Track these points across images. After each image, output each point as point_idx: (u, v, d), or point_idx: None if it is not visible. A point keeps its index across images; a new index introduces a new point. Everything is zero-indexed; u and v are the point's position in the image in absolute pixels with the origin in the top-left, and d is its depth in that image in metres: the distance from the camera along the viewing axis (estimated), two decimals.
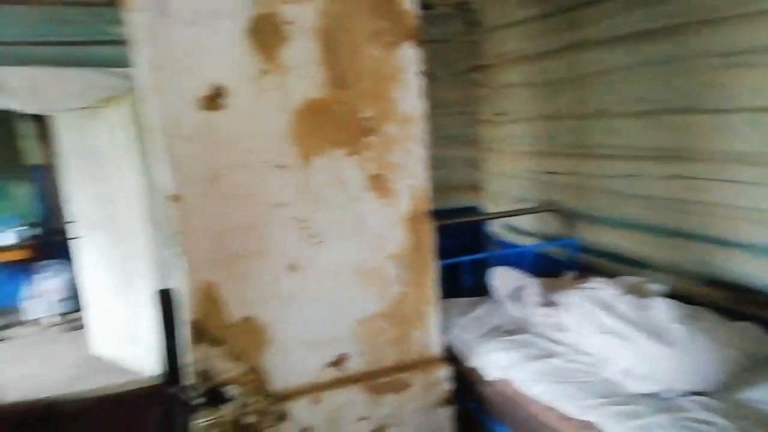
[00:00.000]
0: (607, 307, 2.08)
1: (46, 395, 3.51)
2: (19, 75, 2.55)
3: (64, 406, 3.34)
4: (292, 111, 1.71)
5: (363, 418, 1.96)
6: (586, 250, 3.03)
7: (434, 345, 2.09)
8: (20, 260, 5.12)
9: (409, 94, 1.86)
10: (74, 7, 2.65)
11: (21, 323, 5.09)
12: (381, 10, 1.76)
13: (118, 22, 2.72)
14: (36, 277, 5.18)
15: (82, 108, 2.85)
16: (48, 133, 5.41)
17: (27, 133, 5.31)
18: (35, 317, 5.13)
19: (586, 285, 2.32)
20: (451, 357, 2.21)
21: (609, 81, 2.73)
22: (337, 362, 1.95)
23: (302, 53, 1.68)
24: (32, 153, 5.42)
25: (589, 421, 1.74)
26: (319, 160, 1.79)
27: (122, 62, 2.74)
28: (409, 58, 1.83)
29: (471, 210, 4.01)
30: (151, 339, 3.43)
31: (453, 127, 3.83)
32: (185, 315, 1.74)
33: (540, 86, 3.25)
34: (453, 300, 2.69)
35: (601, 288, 2.22)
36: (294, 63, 1.68)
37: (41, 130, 5.31)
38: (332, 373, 1.95)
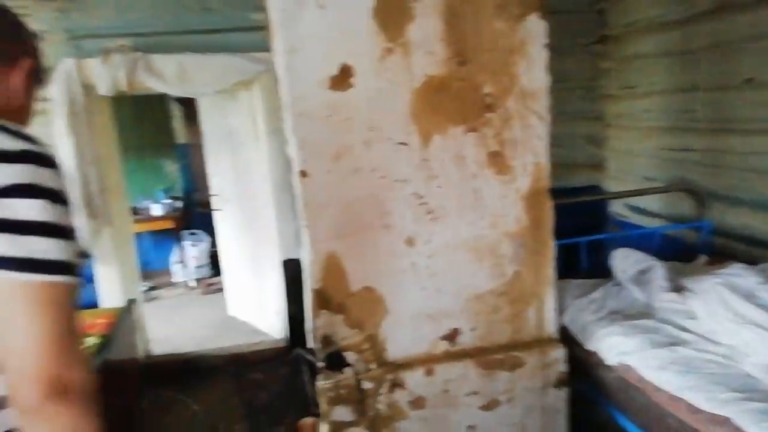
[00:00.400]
0: (748, 296, 1.91)
1: (189, 350, 3.95)
2: (169, 62, 2.85)
3: (204, 360, 3.73)
4: (414, 89, 1.75)
5: (474, 393, 1.99)
6: (721, 233, 2.77)
7: (550, 325, 2.06)
8: (168, 229, 5.74)
9: (533, 68, 1.82)
10: None
11: (169, 285, 5.73)
12: None
13: (256, 9, 2.95)
14: (181, 245, 5.78)
15: (222, 91, 3.11)
16: (193, 115, 5.99)
17: (176, 114, 5.91)
18: (180, 280, 5.75)
19: (721, 271, 2.14)
20: (566, 338, 2.16)
21: (762, 48, 2.45)
22: (450, 336, 1.99)
23: (426, 30, 1.71)
24: (180, 133, 6.03)
25: (723, 416, 1.63)
26: (438, 138, 1.81)
27: (258, 47, 2.97)
28: (534, 30, 1.79)
29: (591, 189, 3.82)
30: (277, 304, 3.72)
31: (573, 103, 3.66)
32: (309, 283, 1.87)
33: (675, 55, 2.99)
34: (570, 281, 2.61)
35: (740, 275, 2.04)
36: (417, 41, 1.71)
37: (187, 111, 5.88)
38: (445, 346, 1.99)
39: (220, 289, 5.23)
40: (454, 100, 1.81)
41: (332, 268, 1.84)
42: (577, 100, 3.67)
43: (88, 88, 2.83)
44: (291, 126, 1.73)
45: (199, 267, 5.84)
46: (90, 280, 3.09)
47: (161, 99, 5.30)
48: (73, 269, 0.83)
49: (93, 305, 3.09)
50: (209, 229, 5.92)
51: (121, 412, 2.65)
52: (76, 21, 2.83)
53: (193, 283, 5.72)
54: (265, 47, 2.95)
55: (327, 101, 1.70)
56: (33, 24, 2.80)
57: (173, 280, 5.81)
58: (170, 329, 4.38)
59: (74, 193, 2.85)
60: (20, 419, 0.80)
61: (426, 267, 1.91)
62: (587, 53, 3.62)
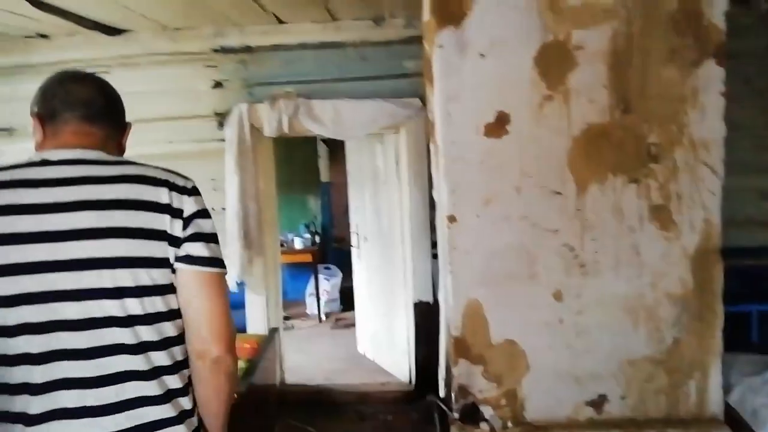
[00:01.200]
0: None
1: (319, 383, 4.06)
2: (327, 107, 3.07)
3: (333, 394, 3.82)
4: (573, 136, 1.70)
5: None
6: None
7: (713, 403, 1.81)
8: (307, 262, 6.06)
9: (706, 117, 1.68)
10: (375, 46, 3.10)
11: (302, 316, 6.01)
12: (682, 26, 1.63)
13: (408, 57, 3.10)
14: (316, 278, 6.06)
15: (372, 133, 3.28)
16: (335, 155, 6.38)
17: (321, 154, 6.34)
18: (313, 312, 6.01)
19: None
20: (732, 421, 1.89)
21: None
22: (596, 402, 1.83)
23: (589, 78, 1.66)
24: (324, 171, 6.44)
25: None
26: (596, 187, 1.73)
27: (407, 93, 3.10)
28: (710, 77, 1.66)
29: (763, 250, 3.38)
30: (406, 346, 3.72)
31: (744, 153, 3.29)
32: (449, 330, 1.84)
33: None
34: (738, 355, 2.31)
35: None
36: (579, 88, 1.67)
37: (332, 151, 6.27)
38: (590, 413, 1.84)
39: (350, 325, 5.38)
40: (616, 149, 1.72)
41: (474, 316, 1.80)
42: (748, 150, 3.31)
43: (255, 130, 3.13)
44: (443, 171, 1.75)
45: (331, 301, 6.06)
46: (241, 305, 3.33)
47: (309, 139, 5.71)
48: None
49: (242, 329, 3.32)
50: (343, 265, 6.18)
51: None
52: (251, 71, 3.18)
53: (325, 317, 5.94)
54: (414, 93, 3.10)
55: (481, 147, 1.70)
56: (218, 74, 3.20)
57: (307, 311, 6.09)
58: (302, 359, 4.55)
59: (234, 224, 3.13)
60: (201, 369, 1.17)
61: (574, 324, 1.79)
62: (761, 99, 3.27)
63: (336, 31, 3.09)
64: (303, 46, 3.14)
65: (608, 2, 1.64)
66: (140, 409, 1.09)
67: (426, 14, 1.82)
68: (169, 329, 1.13)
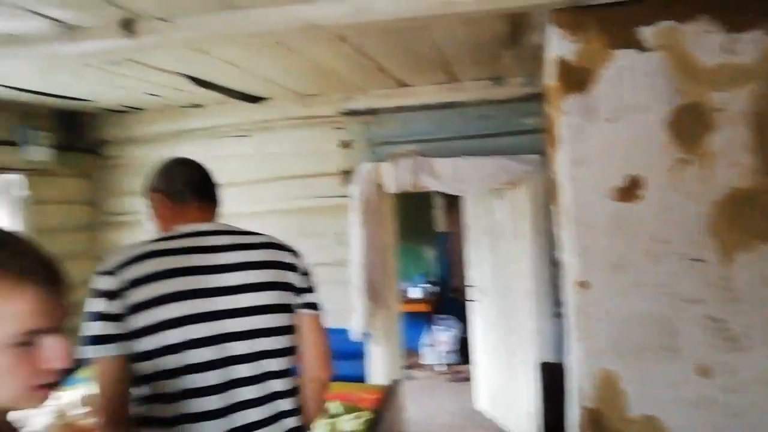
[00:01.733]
0: None
1: None
2: (447, 164, 3.14)
3: None
4: (713, 201, 1.59)
5: None
6: None
7: None
8: (422, 312, 6.08)
9: None
10: (494, 105, 3.14)
11: (418, 366, 6.00)
12: None
13: (528, 114, 3.11)
14: (432, 328, 6.04)
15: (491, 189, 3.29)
16: (452, 206, 6.42)
17: (437, 205, 6.42)
18: (429, 363, 5.97)
19: None
20: None
21: None
22: None
23: (729, 140, 1.57)
24: (439, 222, 6.50)
25: None
26: (742, 255, 1.59)
27: (527, 149, 3.09)
28: None
29: None
30: (530, 407, 3.56)
31: None
32: (580, 399, 1.76)
33: None
34: None
35: None
36: (719, 151, 1.57)
37: (448, 202, 6.33)
38: None
39: (467, 378, 5.26)
40: (763, 215, 1.58)
41: (608, 387, 1.70)
42: None
43: (378, 187, 3.27)
44: (572, 234, 1.71)
45: (447, 353, 6.00)
46: (362, 356, 3.41)
47: (427, 193, 5.82)
48: None
49: (362, 379, 3.39)
50: (460, 316, 6.11)
51: None
52: (375, 132, 3.35)
53: (441, 368, 5.87)
54: (533, 149, 3.08)
55: (612, 212, 1.65)
56: (345, 135, 3.41)
57: (422, 362, 6.06)
58: (419, 412, 4.52)
59: (359, 276, 3.25)
60: (314, 390, 1.54)
61: (725, 404, 1.63)
62: None
63: (456, 91, 3.18)
64: (424, 107, 3.26)
65: (747, 62, 1.55)
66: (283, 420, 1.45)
67: (550, 79, 1.83)
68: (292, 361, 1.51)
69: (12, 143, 3.15)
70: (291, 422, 1.46)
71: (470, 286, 4.48)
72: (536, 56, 2.37)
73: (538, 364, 3.30)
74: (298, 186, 3.47)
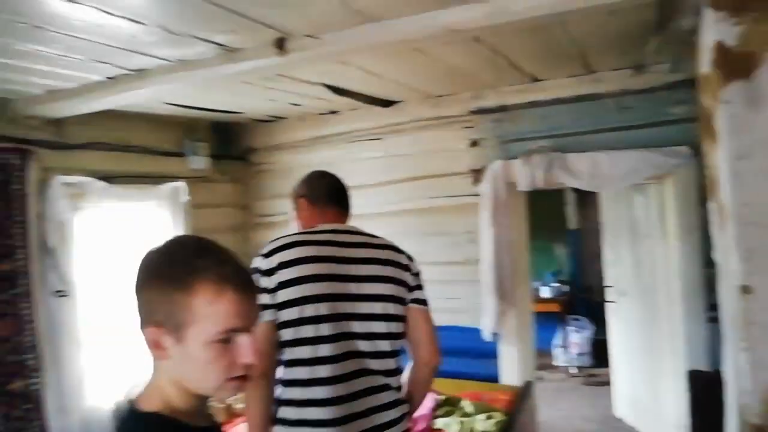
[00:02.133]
0: None
1: None
2: (583, 159, 3.00)
3: None
4: None
5: None
6: None
7: None
8: (553, 312, 5.88)
9: None
10: (636, 95, 2.95)
11: (549, 367, 5.81)
12: None
13: (675, 103, 2.88)
14: (564, 329, 5.82)
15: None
16: (584, 202, 6.13)
17: (569, 201, 6.16)
18: (561, 365, 5.76)
19: None
20: None
21: None
22: None
23: None
24: (571, 218, 6.23)
25: None
26: None
27: (674, 140, 2.86)
28: None
29: None
30: (678, 419, 3.30)
31: None
32: (744, 415, 1.61)
33: None
34: None
35: None
36: None
37: (580, 198, 6.05)
38: None
39: (602, 383, 5.01)
40: None
41: None
42: None
43: (509, 185, 3.22)
44: (733, 235, 1.57)
45: (580, 355, 5.75)
46: (494, 355, 3.40)
47: (559, 189, 5.60)
48: None
49: (494, 379, 3.37)
50: (592, 317, 5.82)
51: None
52: (506, 128, 3.31)
53: (574, 370, 5.64)
54: (682, 140, 2.84)
55: None
56: (474, 134, 3.41)
57: (554, 363, 5.87)
58: (553, 415, 4.40)
59: (489, 276, 3.24)
60: (426, 373, 1.81)
61: None
62: None
63: (592, 83, 3.03)
64: (557, 101, 3.14)
65: None
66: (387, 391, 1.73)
67: (705, 67, 1.69)
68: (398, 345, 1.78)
69: (179, 154, 3.57)
70: (391, 395, 1.73)
71: (608, 286, 4.25)
72: (685, 41, 2.19)
73: (686, 372, 3.05)
74: (428, 186, 3.53)
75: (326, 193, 1.88)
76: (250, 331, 0.93)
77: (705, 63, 1.68)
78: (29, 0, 1.55)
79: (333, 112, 3.73)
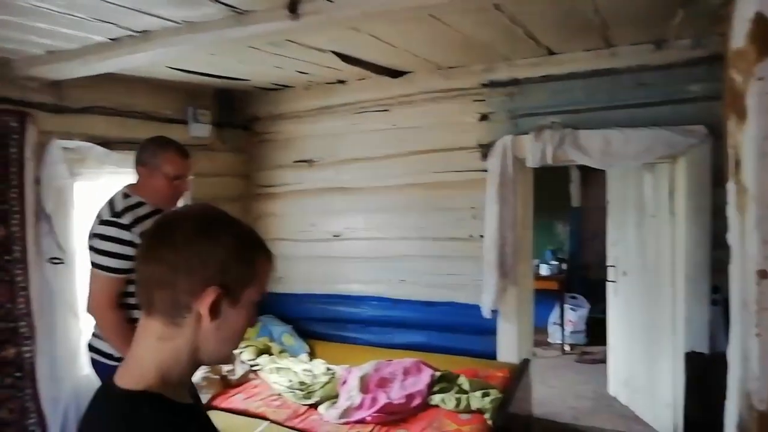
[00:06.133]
0: None
1: (566, 421, 3.89)
2: (595, 136, 2.95)
3: None
4: None
5: None
6: None
7: None
8: (552, 290, 5.87)
9: None
10: (654, 71, 2.88)
11: (545, 344, 5.84)
12: None
13: (693, 80, 2.82)
14: (561, 307, 5.83)
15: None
16: (588, 179, 6.08)
17: (573, 179, 6.11)
18: (557, 342, 5.79)
19: None
20: None
21: None
22: None
23: None
24: (574, 196, 6.19)
25: None
26: None
27: (690, 119, 2.80)
28: None
29: None
30: (671, 398, 3.32)
31: None
32: (751, 400, 1.59)
33: None
34: None
35: None
36: None
37: (584, 176, 6.00)
38: None
39: (597, 360, 5.04)
40: None
41: None
42: None
43: (518, 161, 3.17)
44: (755, 218, 1.53)
45: (575, 332, 5.77)
46: (492, 332, 3.39)
47: (564, 166, 5.54)
48: None
49: (492, 356, 3.38)
50: (589, 295, 5.83)
51: None
52: (517, 103, 3.24)
53: (568, 348, 5.67)
54: (698, 119, 2.79)
55: None
56: (485, 107, 3.34)
57: (549, 340, 5.89)
58: (547, 392, 4.42)
59: (492, 252, 3.21)
60: None
61: None
62: None
63: (610, 57, 2.95)
64: (572, 76, 3.07)
65: None
66: None
67: (739, 41, 1.62)
68: None
69: (181, 121, 3.49)
70: None
71: (610, 265, 4.23)
72: (714, 14, 2.12)
73: (684, 354, 3.06)
74: (435, 160, 3.48)
75: None
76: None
77: (739, 36, 1.61)
78: None
79: (340, 82, 3.64)
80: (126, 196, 2.18)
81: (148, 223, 2.11)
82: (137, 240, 2.05)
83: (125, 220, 2.08)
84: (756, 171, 1.53)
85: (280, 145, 3.96)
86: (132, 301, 2.09)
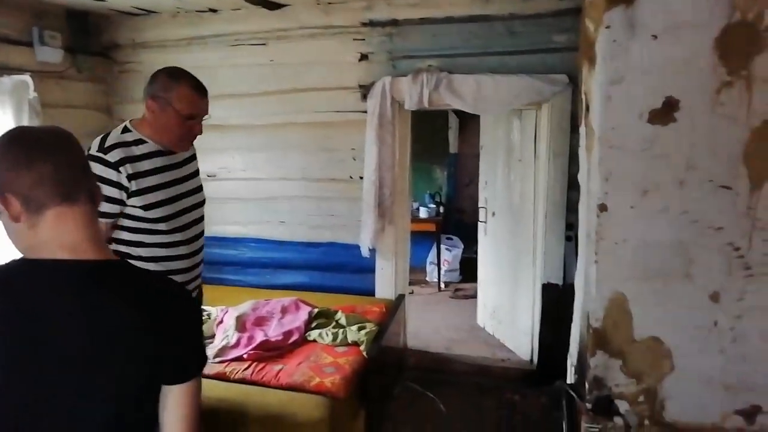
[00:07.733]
0: None
1: (438, 351, 4.17)
2: (468, 81, 3.05)
3: (452, 364, 3.90)
4: (751, 127, 1.55)
5: None
6: None
7: None
8: (430, 231, 6.15)
9: None
10: (524, 20, 2.99)
11: (422, 283, 6.15)
12: None
13: (560, 31, 2.97)
14: (438, 247, 6.14)
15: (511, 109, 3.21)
16: (465, 126, 6.32)
17: (452, 126, 6.31)
18: (433, 280, 6.12)
19: None
20: None
21: None
22: (748, 413, 1.71)
23: None
24: (452, 143, 6.42)
25: None
26: None
27: (554, 68, 2.97)
28: None
29: None
30: (529, 326, 3.68)
31: None
32: (588, 320, 1.80)
33: None
34: None
35: None
36: (764, 74, 1.51)
37: (462, 123, 6.23)
38: (739, 423, 1.72)
39: (469, 296, 5.42)
40: None
41: (617, 309, 1.74)
42: None
43: (396, 103, 3.20)
44: (597, 157, 1.68)
45: (450, 271, 6.13)
46: (371, 270, 3.49)
47: (444, 113, 5.69)
48: None
49: (371, 293, 3.49)
50: (464, 236, 6.21)
51: (381, 392, 2.95)
52: (397, 44, 3.23)
53: (444, 286, 6.03)
54: (562, 68, 2.97)
55: (643, 135, 1.61)
56: (364, 47, 3.29)
57: (426, 278, 6.21)
58: (421, 325, 4.68)
59: (370, 193, 3.26)
60: None
61: (730, 328, 1.67)
62: None
63: (485, 4, 3.02)
64: (449, 20, 3.11)
65: None
66: None
67: None
68: None
69: (25, 43, 3.06)
70: None
71: (481, 207, 4.49)
72: None
73: (541, 285, 3.38)
74: (316, 98, 3.40)
75: None
76: None
77: None
78: None
79: (212, 10, 3.39)
80: (126, 130, 1.89)
81: (142, 165, 1.83)
82: (126, 183, 1.79)
83: (111, 157, 1.80)
84: (601, 113, 1.66)
85: (145, 77, 3.61)
86: (123, 249, 1.85)
